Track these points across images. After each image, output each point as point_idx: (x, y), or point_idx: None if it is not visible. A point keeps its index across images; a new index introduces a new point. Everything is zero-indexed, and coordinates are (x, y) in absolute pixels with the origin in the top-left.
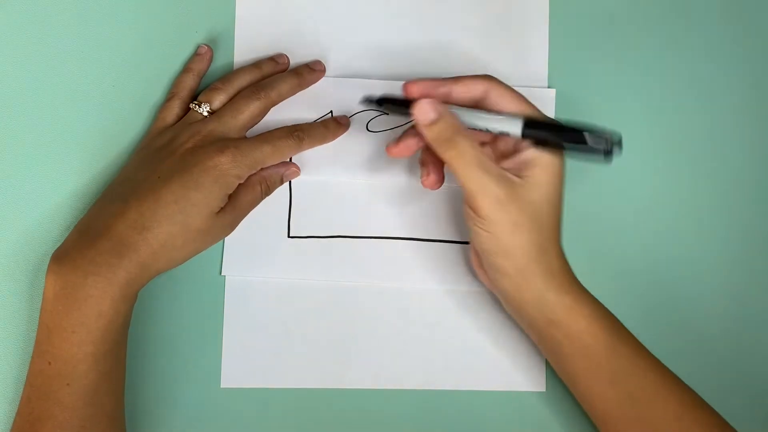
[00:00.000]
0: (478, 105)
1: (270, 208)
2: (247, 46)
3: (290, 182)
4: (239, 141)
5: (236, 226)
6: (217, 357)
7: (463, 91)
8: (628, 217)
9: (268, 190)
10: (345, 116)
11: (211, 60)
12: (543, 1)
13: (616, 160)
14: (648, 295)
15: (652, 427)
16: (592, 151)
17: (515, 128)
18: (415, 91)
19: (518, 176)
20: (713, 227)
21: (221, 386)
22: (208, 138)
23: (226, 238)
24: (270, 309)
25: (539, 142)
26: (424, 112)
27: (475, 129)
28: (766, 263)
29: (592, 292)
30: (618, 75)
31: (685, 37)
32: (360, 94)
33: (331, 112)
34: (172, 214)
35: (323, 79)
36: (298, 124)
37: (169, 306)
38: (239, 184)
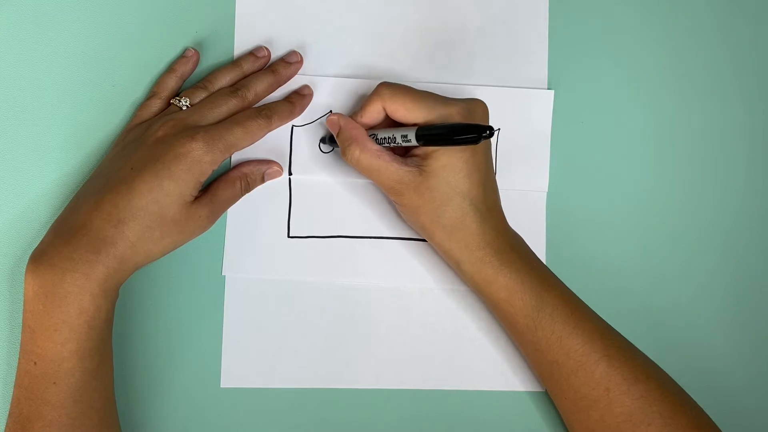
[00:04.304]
0: (390, 120)
1: (270, 208)
2: (247, 45)
3: (290, 182)
4: (209, 127)
5: (214, 220)
6: (217, 357)
7: (369, 119)
8: (625, 218)
9: (248, 187)
10: (307, 86)
11: (196, 64)
12: (543, 2)
13: (617, 161)
14: (646, 298)
15: (579, 394)
16: (467, 141)
17: (413, 138)
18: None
19: (421, 166)
20: (713, 229)
21: (221, 386)
22: (179, 125)
23: (226, 238)
24: (270, 309)
25: (433, 141)
26: (329, 125)
27: (390, 144)
28: (766, 268)
29: (587, 296)
30: (618, 76)
31: (684, 37)
32: (360, 94)
33: (330, 111)
34: (147, 205)
35: (323, 79)
36: (264, 104)
37: (169, 306)
38: (219, 179)
